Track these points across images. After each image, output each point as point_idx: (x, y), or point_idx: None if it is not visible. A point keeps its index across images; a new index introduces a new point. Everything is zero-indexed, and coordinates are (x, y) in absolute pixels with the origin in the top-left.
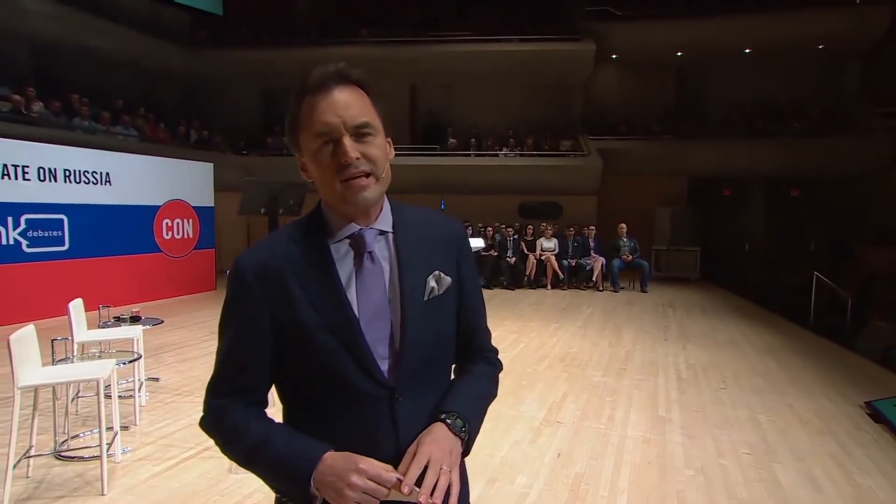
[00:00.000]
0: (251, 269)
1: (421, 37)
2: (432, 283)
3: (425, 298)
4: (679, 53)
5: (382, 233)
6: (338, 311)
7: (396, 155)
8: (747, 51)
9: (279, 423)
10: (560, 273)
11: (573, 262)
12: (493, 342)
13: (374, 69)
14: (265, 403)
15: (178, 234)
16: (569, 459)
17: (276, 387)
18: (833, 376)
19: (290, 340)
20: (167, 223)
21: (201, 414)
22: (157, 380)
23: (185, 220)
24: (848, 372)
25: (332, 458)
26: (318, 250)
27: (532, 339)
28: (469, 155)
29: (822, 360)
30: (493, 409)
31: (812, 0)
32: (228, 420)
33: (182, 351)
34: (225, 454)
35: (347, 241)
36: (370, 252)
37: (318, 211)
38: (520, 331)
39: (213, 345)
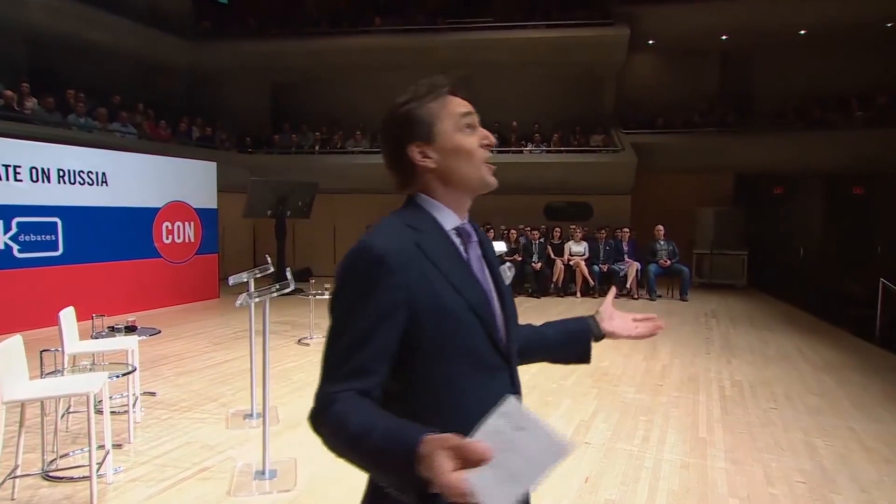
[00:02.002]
0: (392, 254)
1: (438, 24)
2: (507, 271)
3: (507, 283)
4: (724, 37)
5: (472, 226)
6: (477, 291)
7: None
8: (802, 32)
9: (385, 411)
10: (590, 280)
11: (605, 268)
12: None
13: (388, 60)
14: (378, 394)
15: (178, 238)
16: (598, 485)
17: (397, 371)
18: None
19: (433, 322)
20: (167, 226)
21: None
22: (153, 394)
23: (187, 224)
24: None
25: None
26: (443, 238)
27: None
28: (491, 151)
29: (890, 380)
30: None
31: None
32: (338, 406)
33: (181, 363)
34: (329, 445)
35: (455, 231)
36: (475, 241)
37: (418, 205)
38: None
39: (214, 357)
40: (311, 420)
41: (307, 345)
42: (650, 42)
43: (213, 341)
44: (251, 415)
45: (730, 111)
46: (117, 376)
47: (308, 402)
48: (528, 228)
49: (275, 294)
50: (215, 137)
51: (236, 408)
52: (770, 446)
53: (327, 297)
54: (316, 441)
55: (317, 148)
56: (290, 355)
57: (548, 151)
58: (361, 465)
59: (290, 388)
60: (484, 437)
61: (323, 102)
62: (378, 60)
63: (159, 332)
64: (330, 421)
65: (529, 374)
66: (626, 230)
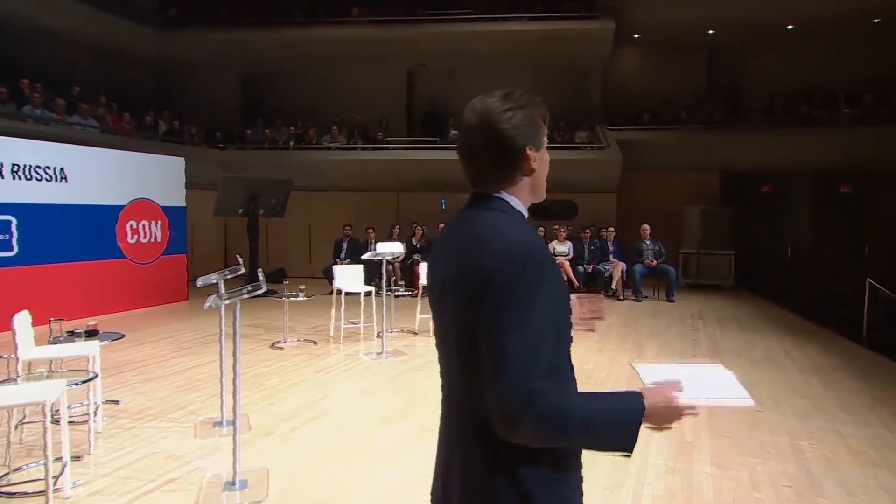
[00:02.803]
0: (546, 251)
1: (419, 15)
2: None
3: None
4: (711, 32)
5: None
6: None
7: (392, 148)
8: (790, 27)
9: (584, 391)
10: (575, 280)
11: (590, 268)
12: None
13: (367, 53)
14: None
15: (144, 237)
16: (584, 491)
17: None
18: (889, 399)
19: (566, 312)
20: (132, 225)
21: (507, 408)
22: (116, 402)
23: (153, 222)
24: None
25: (648, 393)
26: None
27: None
28: None
29: (878, 382)
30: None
31: None
32: (549, 400)
33: (147, 370)
34: (540, 440)
35: None
36: None
37: (510, 205)
38: None
39: (182, 362)
40: (512, 420)
41: (281, 349)
42: (636, 36)
43: (180, 346)
44: (221, 422)
45: (717, 108)
46: (76, 384)
47: (281, 408)
48: None
49: (246, 296)
50: (183, 132)
51: (205, 415)
52: (756, 450)
53: (302, 298)
54: (289, 449)
55: (291, 143)
56: (263, 360)
57: None
58: (587, 444)
59: (263, 395)
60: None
61: (298, 96)
62: (356, 52)
63: (123, 336)
64: (543, 416)
65: None
66: (612, 229)
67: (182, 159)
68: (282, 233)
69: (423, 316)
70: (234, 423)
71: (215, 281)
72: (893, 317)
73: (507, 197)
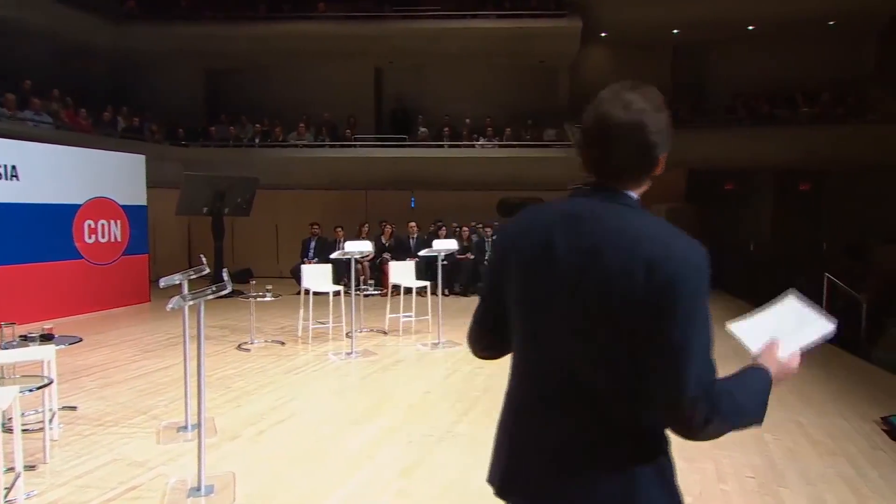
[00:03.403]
0: None
1: (386, 12)
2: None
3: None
4: (675, 31)
5: None
6: None
7: (360, 146)
8: (751, 28)
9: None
10: None
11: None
12: (470, 355)
13: (334, 49)
14: None
15: (103, 237)
16: None
17: None
18: (847, 390)
19: None
20: (90, 225)
21: (698, 418)
22: (73, 409)
23: (112, 222)
24: (863, 385)
25: (766, 363)
26: None
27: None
28: (442, 146)
29: (835, 373)
30: (466, 432)
31: None
32: (722, 398)
33: (106, 374)
34: (720, 431)
35: None
36: None
37: (642, 205)
38: None
39: (143, 366)
40: (705, 417)
41: (247, 350)
42: (603, 35)
43: (142, 349)
44: (185, 427)
45: (682, 106)
46: (30, 390)
47: (248, 411)
48: (481, 225)
49: (210, 296)
50: (144, 128)
51: (169, 420)
52: (721, 443)
53: (269, 299)
54: (256, 452)
55: (257, 141)
56: (229, 362)
57: (500, 146)
58: (745, 423)
59: (229, 397)
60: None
61: (263, 92)
62: (323, 48)
63: (80, 340)
64: (725, 416)
65: (483, 376)
66: None
67: (143, 157)
68: (248, 232)
69: (392, 315)
70: (199, 426)
71: (178, 282)
72: (850, 311)
73: (633, 194)
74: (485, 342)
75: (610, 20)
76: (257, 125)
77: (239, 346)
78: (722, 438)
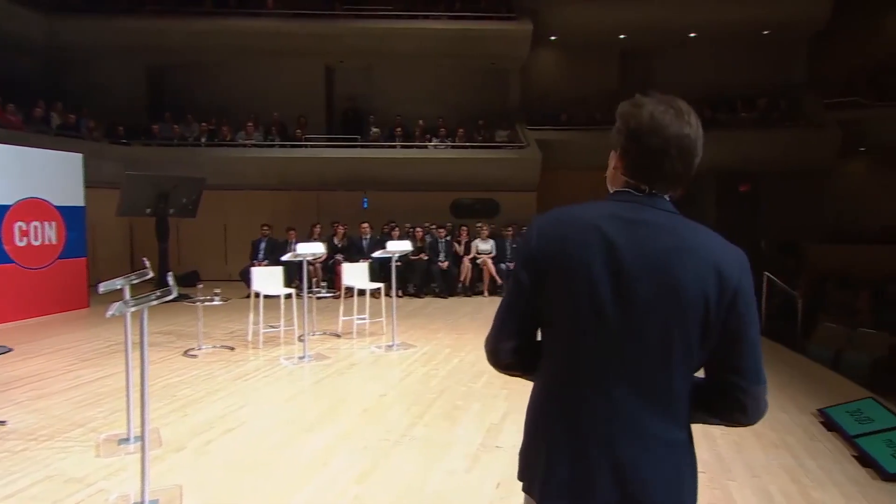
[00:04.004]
0: None
1: (336, 10)
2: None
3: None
4: (622, 36)
5: None
6: None
7: (311, 146)
8: (693, 35)
9: None
10: (498, 278)
11: (513, 266)
12: (425, 357)
13: (283, 47)
14: None
15: (36, 239)
16: (510, 490)
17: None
18: (786, 384)
19: None
20: (21, 227)
21: None
22: (3, 423)
23: (47, 223)
24: (800, 378)
25: None
26: None
27: (468, 352)
28: (394, 146)
29: (775, 367)
30: (423, 436)
31: None
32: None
33: (40, 385)
34: None
35: None
36: None
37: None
38: (454, 344)
39: (81, 375)
40: (762, 413)
41: (195, 356)
42: (552, 38)
43: (79, 357)
44: (128, 439)
45: None
46: None
47: (195, 420)
48: (434, 226)
49: (154, 301)
50: (81, 125)
51: (109, 432)
52: None
53: (217, 303)
54: (205, 463)
55: (203, 140)
56: (175, 369)
57: (453, 147)
58: None
59: (175, 406)
60: None
61: (210, 90)
62: (271, 46)
63: (11, 350)
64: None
65: (439, 377)
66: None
67: (80, 155)
68: (194, 234)
69: (345, 317)
70: (142, 437)
71: (120, 286)
72: (787, 307)
73: (670, 200)
74: (510, 345)
75: (559, 24)
76: (203, 124)
77: (185, 352)
78: None
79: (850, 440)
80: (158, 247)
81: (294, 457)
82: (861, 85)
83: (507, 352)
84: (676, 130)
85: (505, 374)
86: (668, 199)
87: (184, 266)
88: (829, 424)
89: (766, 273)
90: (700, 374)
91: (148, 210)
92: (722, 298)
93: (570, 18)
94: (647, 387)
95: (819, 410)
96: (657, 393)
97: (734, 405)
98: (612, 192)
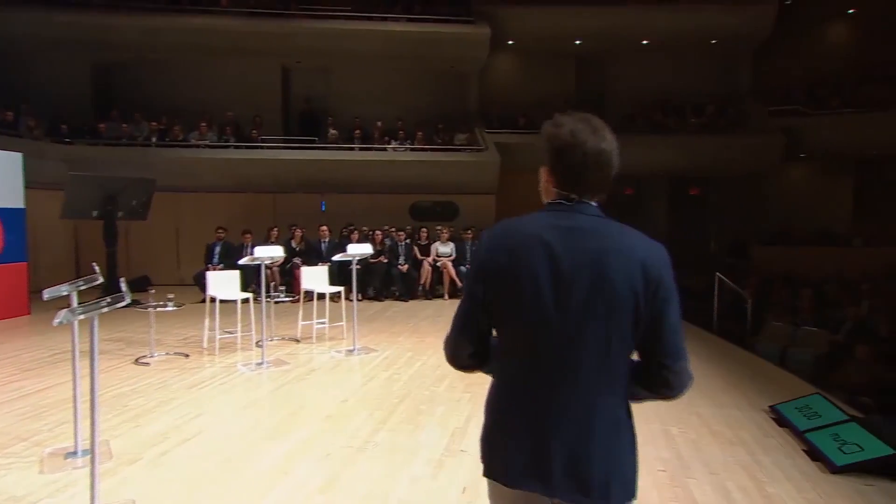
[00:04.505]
0: None
1: (293, 10)
2: None
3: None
4: (578, 42)
5: None
6: None
7: (267, 147)
8: (645, 42)
9: None
10: (458, 281)
11: (467, 278)
12: (387, 361)
13: (237, 46)
14: None
15: None
16: (477, 494)
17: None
18: (738, 382)
19: None
20: None
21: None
22: None
23: None
24: (751, 376)
25: None
26: None
27: (430, 356)
28: (352, 149)
29: (726, 366)
30: (387, 441)
31: None
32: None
33: None
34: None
35: None
36: None
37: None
38: (416, 347)
39: (23, 387)
40: (685, 386)
41: (147, 364)
42: (510, 42)
43: (20, 367)
44: (75, 452)
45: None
46: None
47: (149, 430)
48: (394, 229)
49: (105, 309)
50: (20, 123)
51: (55, 446)
52: None
53: (171, 308)
54: (159, 475)
55: (154, 140)
56: (126, 378)
57: (412, 149)
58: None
59: (127, 416)
60: None
61: (160, 88)
62: (226, 45)
63: None
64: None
65: (401, 382)
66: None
67: (19, 155)
68: (145, 237)
69: (305, 322)
70: (92, 450)
71: (66, 293)
72: (736, 306)
73: (598, 206)
74: (468, 350)
75: (516, 29)
76: (153, 123)
77: (136, 360)
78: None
79: (800, 435)
80: (106, 251)
81: (254, 466)
82: (801, 94)
83: (465, 357)
84: (594, 146)
85: (462, 371)
86: (594, 204)
87: (133, 271)
88: (781, 420)
89: (718, 274)
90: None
91: (95, 212)
92: (648, 290)
93: (528, 24)
94: (591, 375)
95: (770, 407)
96: (600, 379)
97: (660, 380)
98: (546, 203)
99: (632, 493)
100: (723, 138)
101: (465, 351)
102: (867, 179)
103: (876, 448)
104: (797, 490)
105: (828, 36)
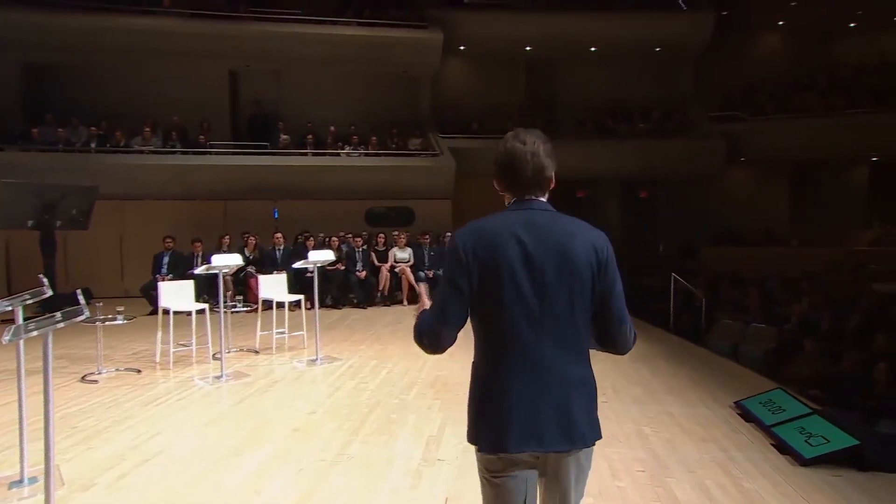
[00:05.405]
0: None
1: (240, 12)
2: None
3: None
4: (528, 48)
5: None
6: None
7: (216, 153)
8: (594, 49)
9: None
10: (417, 287)
11: (430, 274)
12: (351, 370)
13: (181, 47)
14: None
15: None
16: (460, 502)
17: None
18: (702, 379)
19: None
20: None
21: None
22: None
23: None
24: (712, 373)
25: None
26: None
27: (395, 364)
28: (305, 154)
29: (689, 364)
30: (361, 453)
31: (647, 3)
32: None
33: None
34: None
35: None
36: None
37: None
38: (379, 356)
39: None
40: (632, 343)
41: (95, 381)
42: (462, 48)
43: None
44: (20, 481)
45: (538, 118)
46: None
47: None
48: (350, 235)
49: (61, 324)
50: None
51: None
52: (609, 440)
53: (120, 322)
54: (117, 501)
55: (93, 145)
56: (73, 397)
57: (366, 154)
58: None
59: (77, 439)
60: None
61: (99, 91)
62: (169, 47)
63: None
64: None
65: (369, 391)
66: (450, 235)
67: None
68: (85, 247)
69: (263, 332)
70: (46, 476)
71: (9, 308)
72: (689, 305)
73: (546, 201)
74: (452, 338)
75: (467, 34)
76: (92, 128)
77: (83, 377)
78: (608, 436)
79: (767, 430)
80: (43, 262)
81: (223, 486)
82: (739, 101)
83: (449, 339)
84: (526, 155)
85: (433, 353)
86: (544, 200)
87: (73, 283)
88: (747, 416)
89: (673, 274)
90: None
91: (30, 222)
92: (599, 266)
93: (478, 29)
94: (563, 342)
95: (735, 403)
96: (570, 344)
97: (609, 339)
98: (507, 204)
99: (599, 433)
100: (669, 143)
101: (449, 341)
102: (802, 182)
103: (841, 439)
104: (772, 485)
105: (761, 45)
